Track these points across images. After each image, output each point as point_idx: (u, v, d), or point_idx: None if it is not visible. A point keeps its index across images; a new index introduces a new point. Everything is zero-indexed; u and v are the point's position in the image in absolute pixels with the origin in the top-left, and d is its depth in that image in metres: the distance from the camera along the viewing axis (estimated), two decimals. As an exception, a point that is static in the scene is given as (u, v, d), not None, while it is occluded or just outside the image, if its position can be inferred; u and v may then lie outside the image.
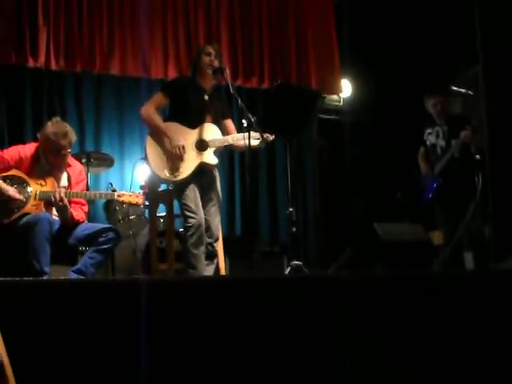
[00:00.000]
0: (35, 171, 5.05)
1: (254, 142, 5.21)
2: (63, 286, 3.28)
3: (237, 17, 7.87)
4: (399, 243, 6.04)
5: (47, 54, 6.92)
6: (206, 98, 5.46)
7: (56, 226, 4.97)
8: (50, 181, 5.04)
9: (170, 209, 5.50)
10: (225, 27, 7.79)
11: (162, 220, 6.42)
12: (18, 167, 5.01)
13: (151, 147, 5.28)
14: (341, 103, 8.68)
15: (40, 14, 6.90)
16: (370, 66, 8.31)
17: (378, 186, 8.34)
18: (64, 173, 5.20)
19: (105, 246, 4.94)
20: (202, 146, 5.29)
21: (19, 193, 4.93)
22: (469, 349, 3.65)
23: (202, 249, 5.21)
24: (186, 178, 5.22)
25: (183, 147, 5.22)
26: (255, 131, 5.09)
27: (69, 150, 5.13)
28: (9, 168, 4.99)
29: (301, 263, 5.08)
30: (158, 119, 5.34)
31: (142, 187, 5.65)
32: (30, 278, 3.53)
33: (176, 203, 5.42)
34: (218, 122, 5.47)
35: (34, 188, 4.96)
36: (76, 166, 5.32)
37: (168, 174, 5.24)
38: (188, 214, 5.18)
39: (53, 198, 4.91)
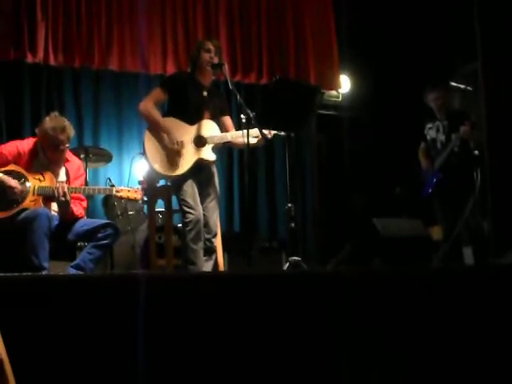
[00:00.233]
0: (33, 166, 5.05)
1: (253, 141, 5.21)
2: (62, 281, 3.28)
3: (235, 12, 7.86)
4: (398, 238, 6.03)
5: (46, 50, 6.91)
6: (205, 94, 5.45)
7: (55, 222, 4.97)
8: (48, 176, 5.03)
9: (168, 204, 5.50)
10: (223, 23, 7.78)
11: (160, 215, 6.42)
12: (16, 162, 5.01)
13: (149, 142, 5.28)
14: (340, 99, 8.67)
15: (38, 10, 6.89)
16: (368, 62, 8.31)
17: (376, 181, 8.33)
18: (62, 168, 5.20)
19: (103, 242, 4.94)
20: (200, 142, 5.28)
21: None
22: (468, 344, 3.65)
23: (201, 244, 5.21)
24: (184, 173, 5.22)
25: (181, 142, 5.22)
26: (254, 127, 5.08)
27: (67, 145, 5.13)
28: (7, 163, 4.99)
29: (299, 259, 5.08)
30: (156, 114, 5.34)
31: (140, 182, 5.64)
32: (29, 274, 3.53)
33: (174, 199, 5.41)
34: (217, 118, 5.46)
35: (32, 183, 4.96)
36: (74, 161, 5.32)
37: (166, 170, 5.24)
38: (186, 209, 5.18)
39: (56, 193, 4.91)
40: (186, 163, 5.23)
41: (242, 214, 7.90)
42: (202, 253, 5.22)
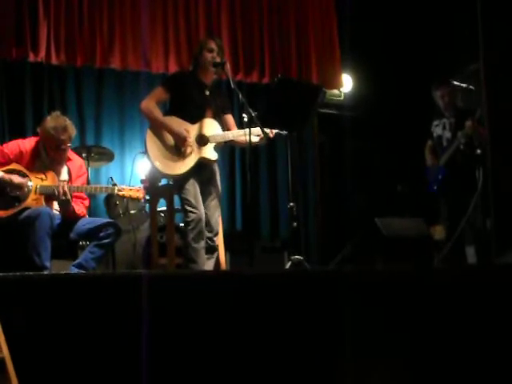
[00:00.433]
0: (35, 165, 5.05)
1: (255, 139, 5.21)
2: (64, 280, 3.27)
3: (237, 11, 7.85)
4: (400, 238, 6.04)
5: (48, 49, 6.90)
6: (207, 93, 5.45)
7: (57, 221, 4.97)
8: (50, 175, 5.04)
9: (170, 203, 5.50)
10: (225, 21, 7.77)
11: (162, 214, 6.41)
12: (18, 161, 5.01)
13: (151, 141, 5.28)
14: (342, 98, 8.67)
15: (40, 9, 6.88)
16: (370, 61, 8.31)
17: (379, 180, 8.34)
18: (64, 167, 5.20)
19: (105, 241, 4.95)
20: (202, 140, 5.28)
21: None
22: (470, 344, 3.65)
23: (202, 243, 5.21)
24: (186, 172, 5.22)
25: (188, 131, 5.22)
26: (256, 126, 5.07)
27: (68, 145, 5.13)
28: (9, 162, 5.00)
29: (301, 258, 5.07)
30: (158, 113, 5.34)
31: (142, 181, 5.64)
32: (31, 273, 3.53)
33: (176, 198, 5.41)
34: (219, 117, 5.46)
35: (34, 182, 4.96)
36: (76, 160, 5.33)
37: (168, 169, 5.24)
38: (188, 208, 5.18)
39: (56, 192, 4.91)
40: (187, 162, 5.23)
41: (244, 213, 7.90)
42: (203, 252, 5.22)
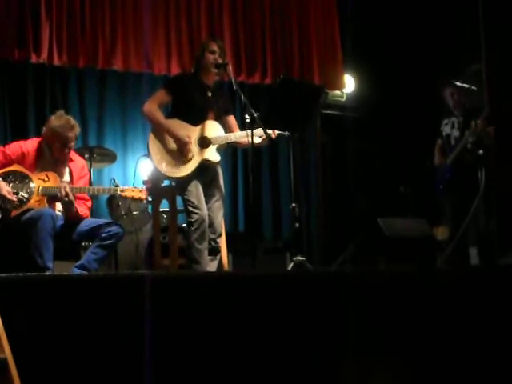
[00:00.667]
0: (38, 166, 5.05)
1: (258, 140, 5.20)
2: (66, 281, 3.28)
3: (239, 12, 7.85)
4: (403, 238, 6.03)
5: (50, 50, 6.90)
6: (209, 94, 5.45)
7: (60, 222, 4.98)
8: (52, 176, 5.04)
9: (172, 204, 5.50)
10: (227, 23, 7.77)
11: (164, 215, 6.41)
12: (19, 162, 5.01)
13: (154, 144, 5.28)
14: (344, 99, 8.67)
15: (43, 10, 6.88)
16: (372, 62, 8.30)
17: (381, 181, 8.33)
18: (66, 168, 5.20)
19: (108, 242, 4.94)
20: (204, 143, 5.28)
21: (22, 188, 4.93)
22: (473, 345, 3.64)
23: (205, 244, 5.21)
24: (189, 175, 5.22)
25: (189, 140, 5.22)
26: (258, 127, 5.07)
27: (73, 143, 5.15)
28: (10, 163, 5.00)
29: (304, 259, 5.07)
30: (160, 116, 5.34)
31: (144, 182, 5.64)
32: (33, 274, 3.53)
33: (179, 199, 5.41)
34: (221, 118, 5.46)
35: (36, 184, 4.96)
36: (78, 161, 5.33)
37: (170, 171, 5.24)
38: (191, 209, 5.18)
39: (58, 193, 4.91)
40: (190, 164, 5.23)
41: (247, 214, 7.90)
42: (206, 253, 5.23)
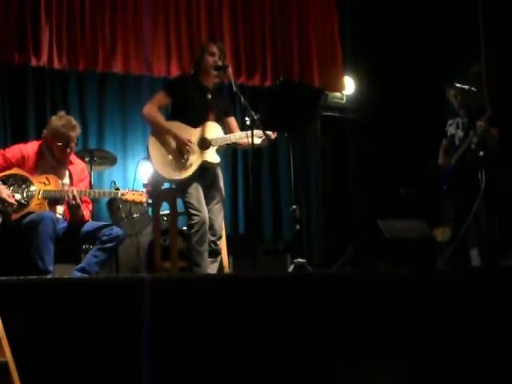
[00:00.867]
0: (38, 169, 5.06)
1: (257, 141, 5.20)
2: (67, 284, 3.28)
3: (239, 14, 7.86)
4: (403, 240, 6.03)
5: (50, 53, 6.91)
6: (209, 96, 5.45)
7: (61, 225, 4.98)
8: (53, 179, 5.04)
9: (173, 207, 5.50)
10: (227, 25, 7.78)
11: (165, 218, 6.41)
12: (20, 166, 5.01)
13: (154, 147, 5.28)
14: (344, 100, 8.68)
15: (42, 13, 6.89)
16: (372, 63, 8.31)
17: (381, 183, 8.33)
18: (66, 170, 5.21)
19: (108, 245, 4.94)
20: (204, 144, 5.28)
21: (22, 192, 4.94)
22: (473, 346, 3.64)
23: (206, 247, 5.21)
24: (189, 177, 5.22)
25: (189, 140, 5.22)
26: (258, 129, 5.08)
27: (75, 143, 5.17)
28: (10, 166, 5.00)
29: (304, 261, 5.07)
30: (160, 118, 5.34)
31: (145, 185, 5.65)
32: (34, 277, 3.53)
33: (179, 201, 5.42)
34: (221, 120, 5.46)
35: (37, 187, 4.96)
36: (78, 164, 5.33)
37: (171, 174, 5.24)
38: (191, 211, 5.18)
39: (66, 197, 4.93)
40: (190, 167, 5.23)
41: (247, 216, 7.90)
42: (206, 255, 5.22)
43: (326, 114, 8.32)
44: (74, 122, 5.15)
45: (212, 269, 5.29)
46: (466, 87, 6.31)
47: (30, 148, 5.12)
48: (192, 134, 5.28)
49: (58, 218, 4.97)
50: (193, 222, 5.17)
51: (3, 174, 4.97)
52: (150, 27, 7.35)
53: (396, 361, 3.53)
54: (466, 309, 3.70)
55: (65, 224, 5.05)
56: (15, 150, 5.09)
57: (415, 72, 8.15)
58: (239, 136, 5.34)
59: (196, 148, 5.26)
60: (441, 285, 3.78)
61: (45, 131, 5.16)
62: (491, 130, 6.08)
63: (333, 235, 8.34)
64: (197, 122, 5.32)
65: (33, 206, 4.92)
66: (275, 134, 5.30)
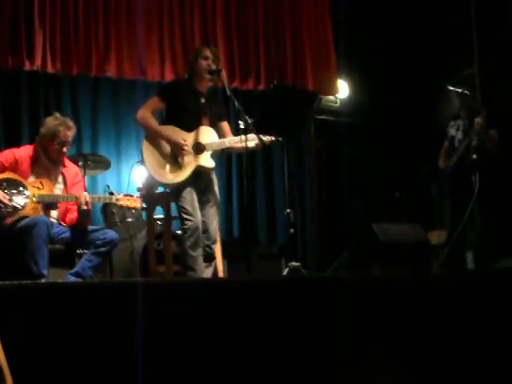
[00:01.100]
0: (32, 173, 5.05)
1: (251, 144, 5.20)
2: (61, 288, 3.27)
3: (232, 18, 7.86)
4: (397, 244, 6.03)
5: (43, 57, 6.90)
6: (203, 100, 5.45)
7: (55, 229, 4.98)
8: (47, 184, 5.03)
9: (167, 211, 5.50)
10: (221, 29, 7.78)
11: (159, 222, 6.41)
12: (13, 170, 5.00)
13: (148, 151, 5.27)
14: (337, 104, 8.68)
15: (36, 17, 6.88)
16: (366, 67, 8.32)
17: (376, 186, 8.34)
18: (60, 174, 5.20)
19: (102, 249, 4.95)
20: (198, 149, 5.28)
21: (16, 196, 4.93)
22: (469, 350, 3.64)
23: (200, 251, 5.20)
24: (183, 181, 5.22)
25: (184, 141, 5.22)
26: (252, 133, 5.08)
27: (70, 141, 5.18)
28: (3, 170, 4.98)
29: (299, 264, 5.07)
30: (154, 122, 5.33)
31: (139, 189, 5.64)
32: (28, 281, 3.53)
33: (173, 205, 5.41)
34: (215, 124, 5.46)
35: (31, 191, 4.95)
36: (71, 168, 5.33)
37: (165, 178, 5.24)
38: (185, 216, 5.17)
39: (79, 202, 4.94)
40: (184, 171, 5.23)
41: (241, 220, 7.90)
42: (201, 259, 5.21)
43: (319, 117, 8.33)
44: (70, 122, 5.18)
45: (207, 273, 5.28)
46: (458, 90, 6.30)
47: (23, 152, 5.11)
48: (186, 139, 5.27)
49: (52, 222, 4.97)
50: (186, 226, 5.16)
51: (-4, 178, 4.97)
52: (144, 32, 7.35)
53: (392, 365, 3.52)
54: (460, 312, 3.70)
55: (59, 228, 5.05)
56: (8, 155, 5.08)
57: (409, 75, 8.16)
58: (233, 140, 5.34)
59: (191, 152, 5.26)
60: (435, 288, 3.78)
61: (41, 131, 5.15)
62: (490, 132, 6.07)
63: (327, 239, 8.34)
64: (191, 126, 5.31)
65: (27, 210, 4.91)
66: (269, 138, 5.31)
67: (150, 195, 5.48)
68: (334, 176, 8.77)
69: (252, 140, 5.18)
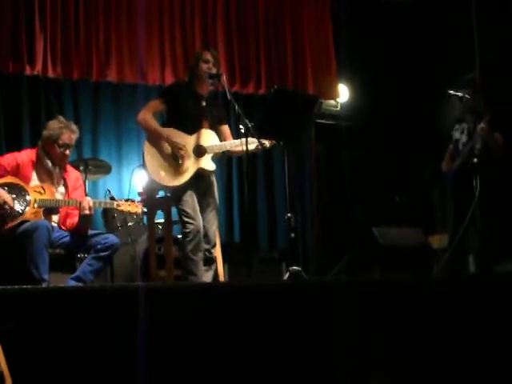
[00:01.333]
0: (34, 177, 5.05)
1: (252, 147, 5.21)
2: (62, 293, 3.27)
3: (233, 23, 7.88)
4: (398, 247, 6.03)
5: (44, 62, 6.91)
6: (203, 104, 5.46)
7: (55, 234, 4.97)
8: (48, 188, 5.03)
9: (168, 215, 5.50)
10: (221, 33, 7.79)
11: (160, 226, 6.41)
12: (14, 174, 5.00)
13: (149, 153, 5.28)
14: (338, 108, 8.69)
15: (37, 22, 6.90)
16: (366, 71, 8.33)
17: (376, 190, 8.34)
18: (61, 179, 5.20)
19: (103, 254, 4.94)
20: (199, 151, 5.28)
21: (18, 200, 4.92)
22: (469, 353, 3.64)
23: (200, 255, 5.20)
24: (184, 184, 5.22)
25: (184, 146, 5.23)
26: (252, 137, 5.09)
27: (72, 147, 5.18)
28: (5, 175, 4.98)
29: (300, 268, 5.07)
30: (154, 123, 5.35)
31: (140, 194, 5.64)
32: (29, 286, 3.53)
33: (174, 210, 5.41)
34: (215, 127, 5.47)
35: (32, 196, 4.95)
36: (72, 173, 5.33)
37: (166, 180, 5.24)
38: (186, 219, 5.17)
39: (81, 207, 4.94)
40: (185, 173, 5.23)
41: (242, 224, 7.89)
42: (201, 263, 5.22)
43: (320, 121, 8.34)
44: (73, 125, 5.20)
45: (207, 277, 5.28)
46: (459, 94, 6.30)
47: (25, 156, 5.11)
48: (187, 141, 5.28)
49: (53, 227, 4.96)
50: (187, 230, 5.16)
51: (-3, 182, 4.97)
52: (145, 36, 7.36)
53: (393, 368, 3.52)
54: (461, 315, 3.70)
55: (60, 233, 5.06)
56: (10, 159, 5.08)
57: (409, 79, 8.17)
58: (234, 143, 5.35)
59: (191, 155, 5.26)
60: (436, 291, 3.78)
61: (43, 135, 5.15)
62: (495, 135, 6.07)
63: (328, 243, 8.35)
64: (192, 129, 5.32)
65: (28, 214, 4.91)
66: (272, 143, 5.31)
67: (151, 200, 5.48)
68: (335, 180, 8.77)
69: (252, 143, 5.18)
